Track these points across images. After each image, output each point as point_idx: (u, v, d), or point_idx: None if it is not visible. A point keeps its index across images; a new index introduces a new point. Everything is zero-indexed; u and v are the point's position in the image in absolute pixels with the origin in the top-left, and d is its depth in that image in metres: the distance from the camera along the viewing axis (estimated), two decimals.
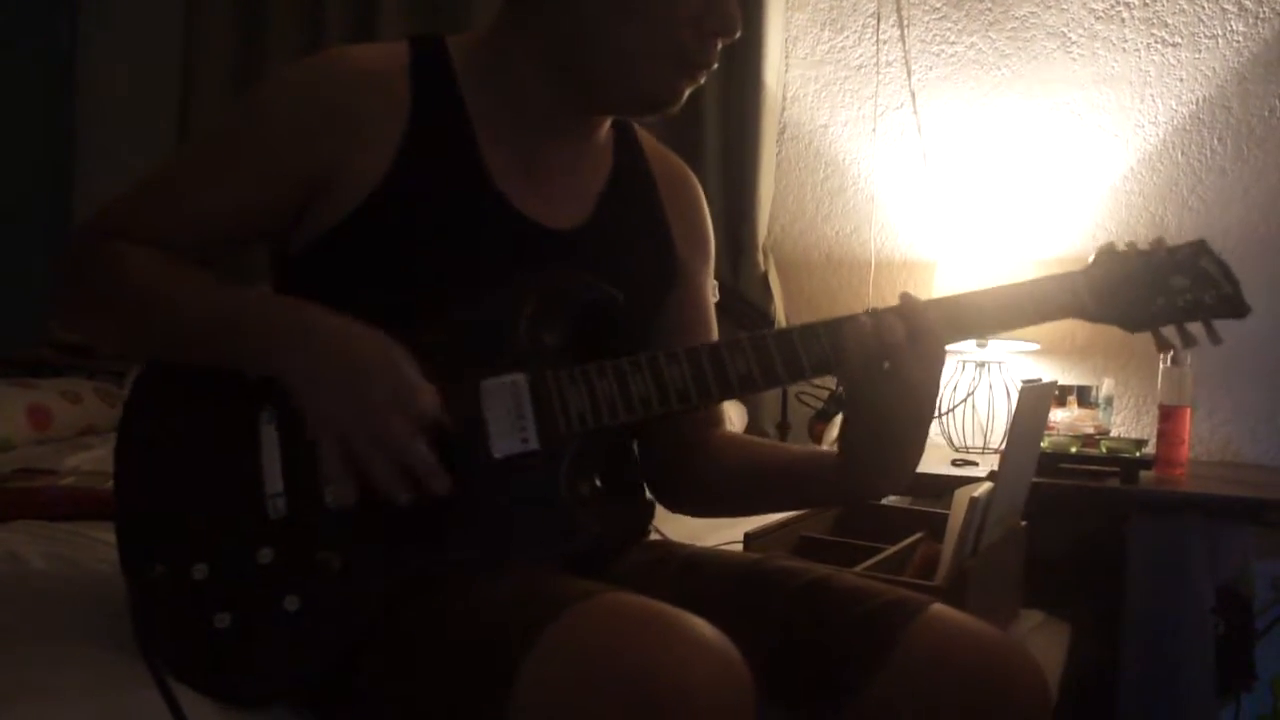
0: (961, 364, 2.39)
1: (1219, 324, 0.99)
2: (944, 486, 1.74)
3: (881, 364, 0.92)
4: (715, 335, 1.18)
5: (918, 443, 0.98)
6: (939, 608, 0.94)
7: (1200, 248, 1.00)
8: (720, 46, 0.98)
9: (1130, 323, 0.99)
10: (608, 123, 1.08)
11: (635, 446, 1.15)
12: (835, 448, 1.02)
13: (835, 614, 0.95)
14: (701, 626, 0.76)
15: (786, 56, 2.70)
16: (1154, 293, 0.98)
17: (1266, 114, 2.31)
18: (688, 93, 1.00)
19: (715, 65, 0.99)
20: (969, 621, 0.94)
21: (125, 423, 0.95)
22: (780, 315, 2.61)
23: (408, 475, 0.87)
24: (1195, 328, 0.99)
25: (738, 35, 0.98)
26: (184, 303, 0.93)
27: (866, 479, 1.01)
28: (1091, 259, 0.99)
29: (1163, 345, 1.00)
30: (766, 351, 0.95)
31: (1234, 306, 0.98)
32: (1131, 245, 1.00)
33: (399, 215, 0.96)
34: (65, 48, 3.25)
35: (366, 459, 0.86)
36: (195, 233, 0.98)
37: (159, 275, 0.94)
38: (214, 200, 0.98)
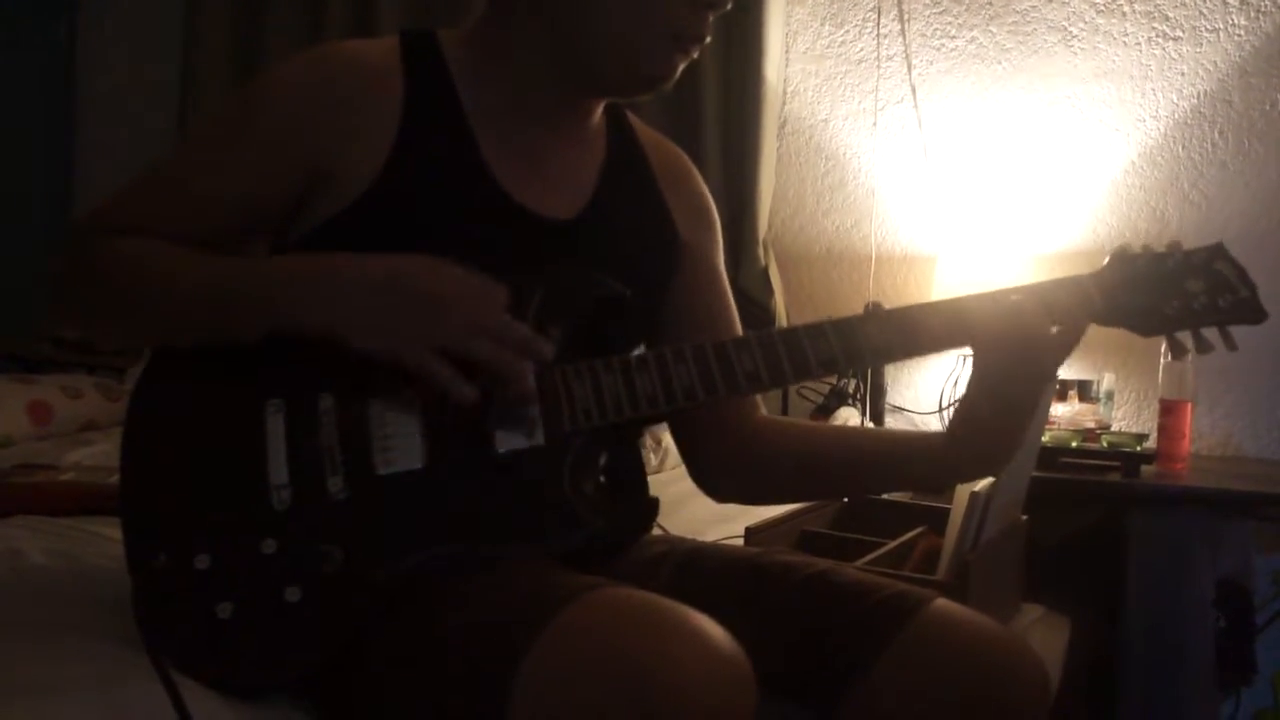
0: (962, 358, 2.39)
1: (1234, 328, 0.97)
2: None
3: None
4: (736, 318, 1.18)
5: (1030, 408, 0.98)
6: (941, 602, 0.94)
7: (1217, 251, 0.99)
8: (712, 19, 0.98)
9: (1143, 327, 0.98)
10: (601, 108, 1.08)
11: (672, 439, 1.16)
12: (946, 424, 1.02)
13: (837, 608, 0.95)
14: (704, 622, 0.76)
15: (787, 51, 2.70)
16: (1168, 296, 0.97)
17: (1268, 108, 2.31)
18: (681, 68, 1.00)
19: (709, 39, 0.99)
20: (970, 616, 0.94)
21: (131, 413, 0.95)
22: (780, 310, 2.61)
23: (513, 351, 0.87)
24: (1210, 333, 0.98)
25: (729, 6, 0.98)
26: (195, 278, 0.92)
27: (980, 449, 0.99)
28: (1106, 261, 0.99)
29: (1177, 351, 0.99)
30: (773, 350, 0.95)
31: (1251, 311, 0.97)
32: (1147, 248, 0.99)
33: (395, 208, 0.96)
34: (65, 47, 3.25)
35: (472, 350, 0.86)
36: (194, 227, 0.97)
37: (167, 258, 0.94)
38: (213, 194, 0.98)
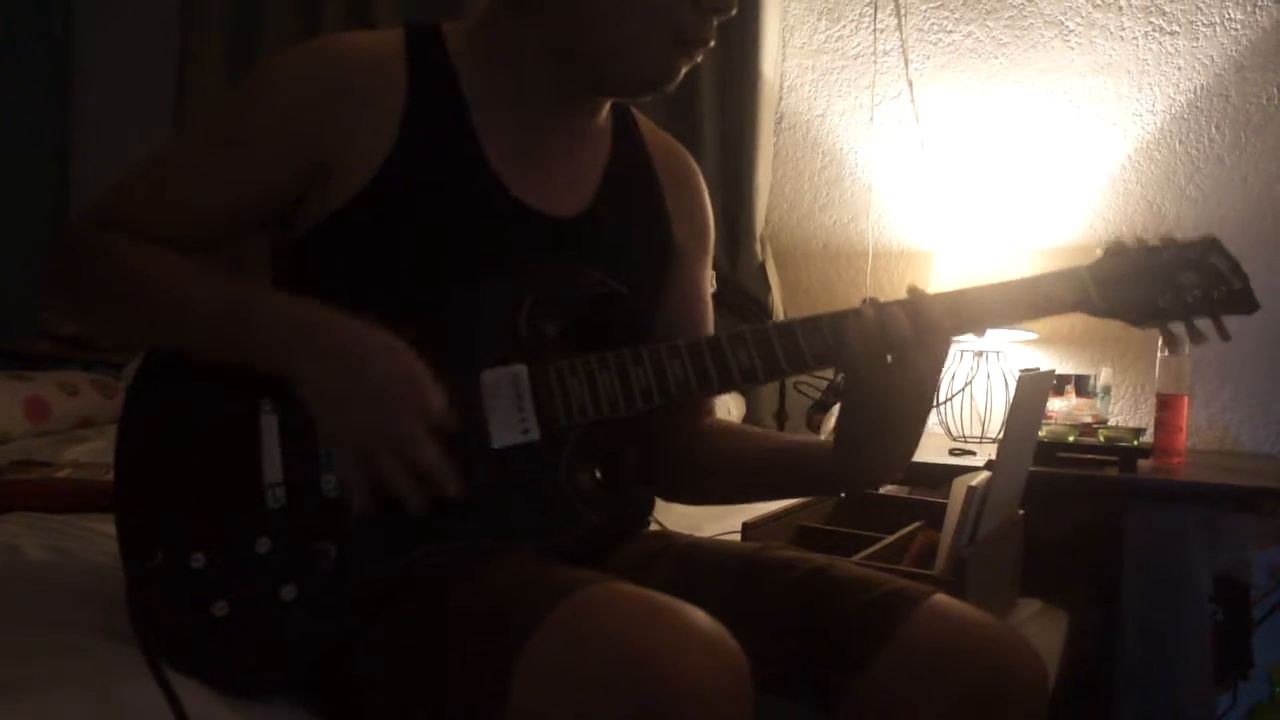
0: (959, 353, 2.39)
1: (1228, 320, 0.98)
2: (942, 476, 1.74)
3: (884, 357, 0.93)
4: (710, 325, 1.18)
5: (915, 434, 0.99)
6: (939, 597, 0.94)
7: (1210, 244, 0.99)
8: (716, 23, 0.98)
9: (1136, 318, 0.98)
10: (607, 107, 1.07)
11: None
12: (831, 437, 1.02)
13: (835, 603, 0.95)
14: (698, 616, 0.76)
15: (783, 46, 2.69)
16: (1161, 288, 0.97)
17: (1265, 102, 2.30)
18: (684, 70, 1.00)
19: (712, 43, 0.99)
20: (968, 610, 0.94)
21: (126, 411, 0.95)
22: (778, 305, 2.61)
23: (422, 478, 0.87)
24: (1204, 324, 0.98)
25: (734, 12, 0.97)
26: (185, 297, 0.92)
27: (861, 467, 1.01)
28: (1099, 253, 0.99)
29: (1172, 342, 1.00)
30: (768, 344, 0.94)
31: (1244, 303, 0.97)
32: (1141, 240, 0.99)
33: (397, 202, 0.96)
34: (63, 45, 3.24)
35: (382, 464, 0.86)
36: (194, 222, 0.97)
37: (158, 267, 0.93)
38: (212, 189, 0.97)
